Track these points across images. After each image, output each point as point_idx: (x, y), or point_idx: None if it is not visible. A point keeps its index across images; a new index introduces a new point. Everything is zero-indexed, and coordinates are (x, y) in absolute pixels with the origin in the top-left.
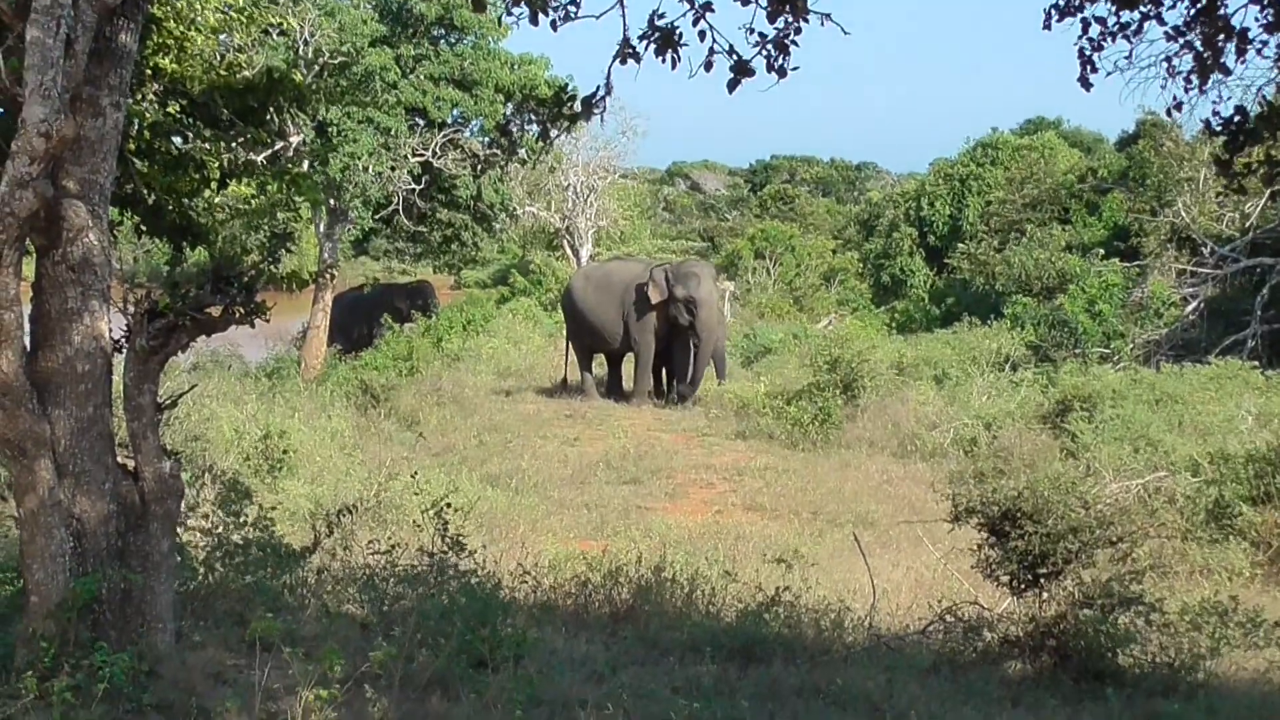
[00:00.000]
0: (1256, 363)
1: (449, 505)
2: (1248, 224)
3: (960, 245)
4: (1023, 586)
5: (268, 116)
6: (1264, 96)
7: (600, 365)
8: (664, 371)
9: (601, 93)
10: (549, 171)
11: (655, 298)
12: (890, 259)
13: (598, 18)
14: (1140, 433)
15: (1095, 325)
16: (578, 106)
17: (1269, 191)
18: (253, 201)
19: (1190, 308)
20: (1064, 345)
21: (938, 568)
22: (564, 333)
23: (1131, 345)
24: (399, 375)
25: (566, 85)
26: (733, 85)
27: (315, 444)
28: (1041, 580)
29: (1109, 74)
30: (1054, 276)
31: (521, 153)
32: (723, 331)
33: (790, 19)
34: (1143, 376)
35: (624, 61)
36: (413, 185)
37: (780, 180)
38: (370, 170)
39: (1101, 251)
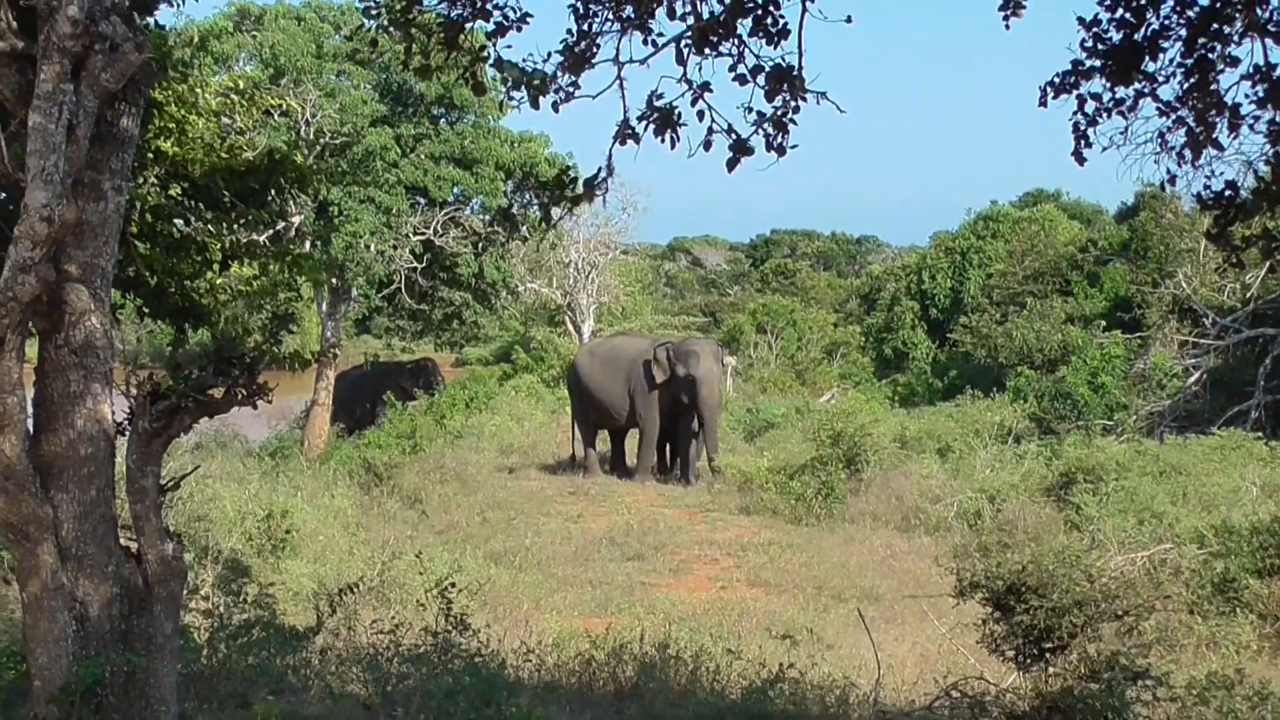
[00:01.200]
0: (1260, 433)
1: (453, 584)
2: (1249, 295)
3: (962, 318)
4: (1028, 661)
5: (269, 198)
6: (1256, 171)
7: (603, 441)
8: (667, 448)
9: (603, 174)
10: (550, 248)
11: (659, 377)
12: (892, 332)
13: (594, 97)
14: (1145, 505)
15: (1098, 397)
16: (579, 188)
17: (1268, 264)
18: (254, 282)
19: (1193, 379)
20: (1067, 417)
21: (943, 643)
22: (567, 409)
23: (1134, 417)
24: (402, 453)
25: (568, 167)
26: (732, 164)
27: (318, 523)
28: (1047, 654)
29: (1104, 149)
30: (1056, 348)
31: (523, 231)
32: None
33: (788, 98)
34: (1146, 448)
35: (624, 142)
36: (414, 264)
37: (781, 255)
38: (372, 249)
39: (1103, 323)
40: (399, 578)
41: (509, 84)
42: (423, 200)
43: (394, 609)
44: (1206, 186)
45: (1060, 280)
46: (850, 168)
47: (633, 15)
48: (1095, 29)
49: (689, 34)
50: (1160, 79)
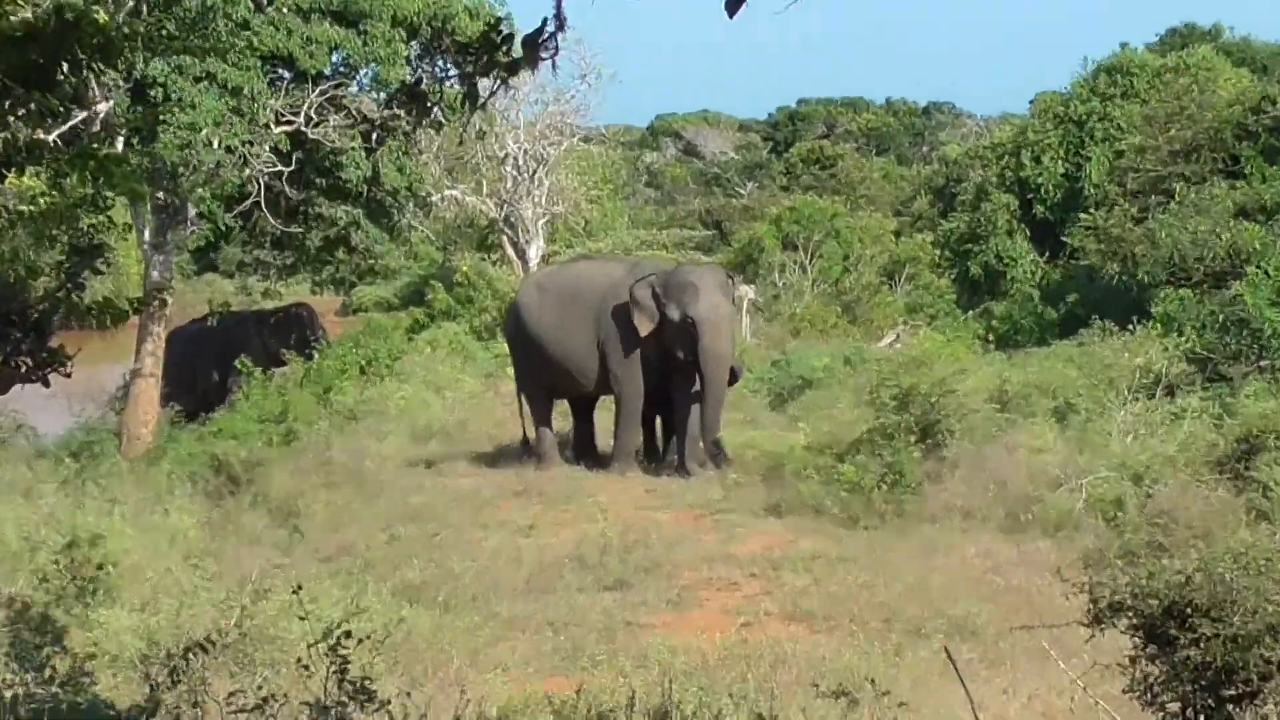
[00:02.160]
0: None
1: (348, 634)
2: None
3: (1082, 216)
4: (1200, 716)
5: (59, 76)
6: None
7: (564, 416)
8: (656, 422)
9: (551, 28)
10: (477, 139)
11: (643, 321)
12: (981, 242)
13: None
14: None
15: None
16: (517, 50)
17: None
18: (41, 201)
19: None
20: (1243, 355)
21: (1073, 693)
22: (510, 371)
23: None
24: (269, 445)
25: (499, 20)
26: (733, 5)
27: (147, 553)
28: (1229, 705)
29: None
30: (1222, 256)
31: (436, 114)
32: (738, 360)
33: None
34: None
35: None
36: (278, 167)
37: (814, 135)
38: (216, 147)
39: None
40: (268, 628)
41: None
42: (288, 75)
43: (262, 674)
44: None
45: (1224, 157)
46: (910, 2)
47: None
48: None
49: None
50: None
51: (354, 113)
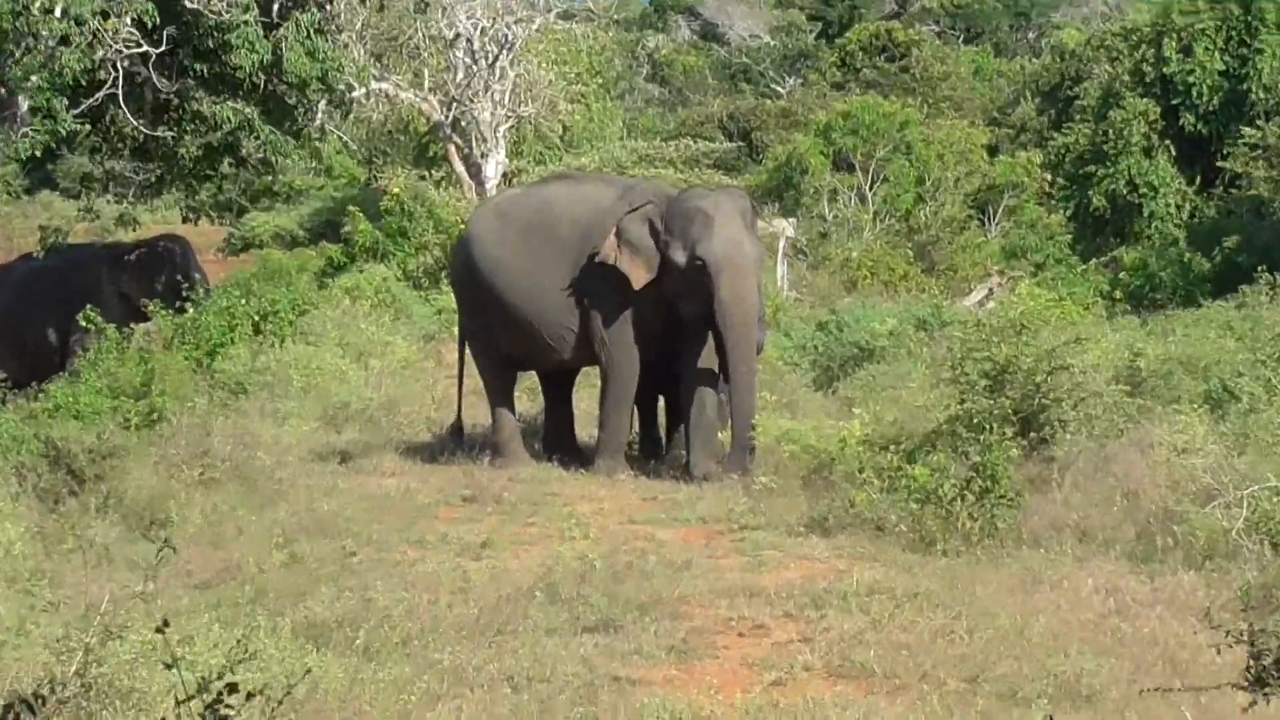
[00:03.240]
0: None
1: (232, 689)
2: None
3: (1246, 131)
4: None
5: None
6: None
7: (529, 392)
8: (657, 405)
9: None
10: (417, 12)
11: (638, 265)
12: (1107, 164)
13: None
14: None
15: None
16: None
17: None
18: None
19: None
20: None
21: None
22: (455, 330)
23: None
24: (125, 428)
25: None
26: None
27: None
28: None
29: None
30: None
31: None
32: (761, 311)
33: None
34: None
35: None
36: (142, 46)
37: (880, 13)
38: (58, 16)
39: None
40: (121, 678)
41: None
42: None
43: None
44: None
45: None
46: None
47: None
48: None
49: None
50: None
51: None
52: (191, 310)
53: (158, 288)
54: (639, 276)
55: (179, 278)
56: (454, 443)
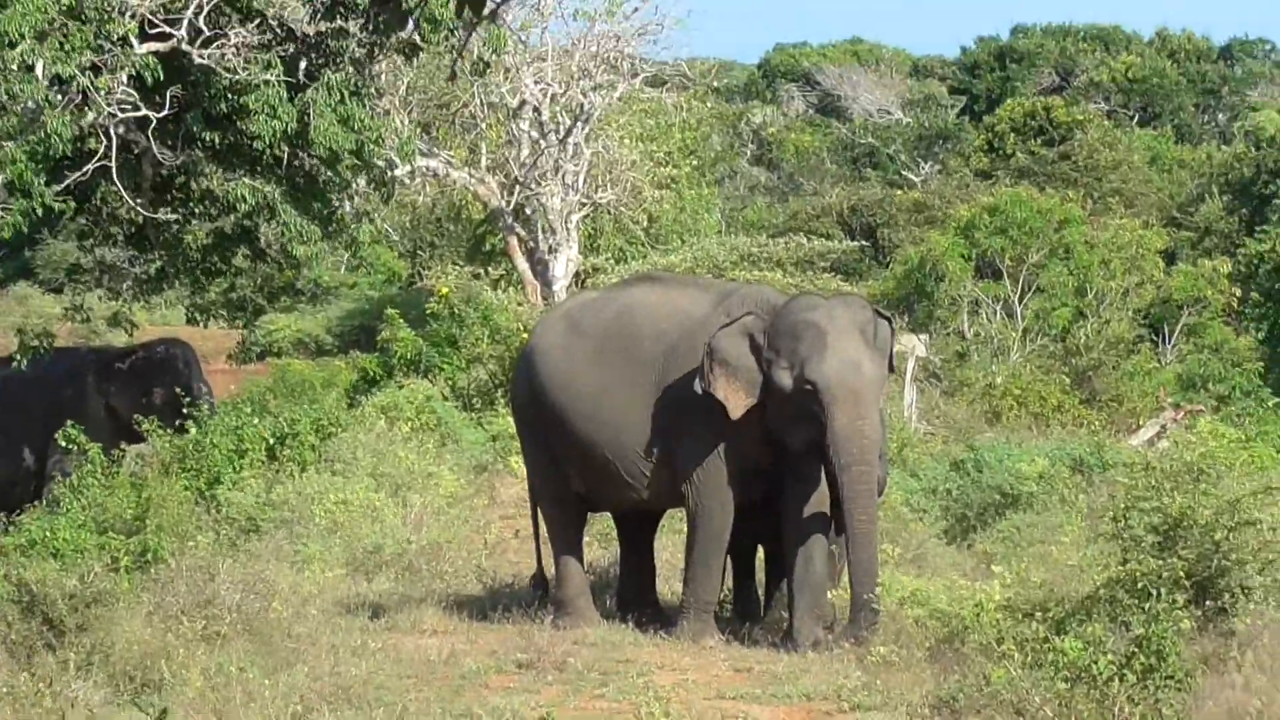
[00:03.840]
0: None
1: None
2: None
3: None
4: None
5: None
6: None
7: (601, 537)
8: (758, 554)
9: None
10: (475, 75)
11: (734, 394)
12: None
13: None
14: None
15: None
16: None
17: None
18: None
19: None
20: None
21: None
22: (518, 462)
23: None
24: (113, 570)
25: None
26: None
27: None
28: None
29: None
30: None
31: (409, 29)
32: (883, 446)
33: None
34: None
35: None
36: (142, 110)
37: (1038, 86)
38: (39, 73)
39: None
40: None
41: None
42: None
43: None
44: None
45: None
46: None
47: None
48: None
49: None
50: None
51: (270, 23)
52: (194, 430)
53: (153, 401)
54: (738, 403)
55: (178, 390)
56: (535, 597)
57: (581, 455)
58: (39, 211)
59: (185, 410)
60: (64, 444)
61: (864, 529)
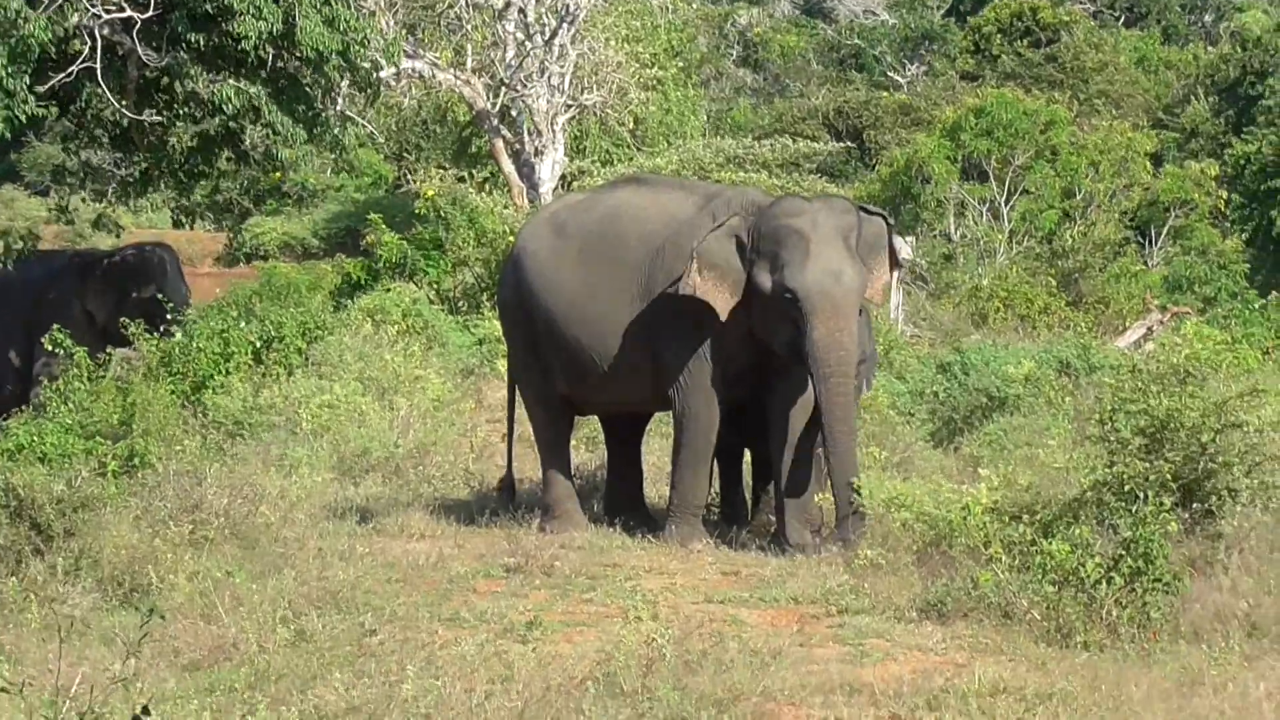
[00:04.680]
0: None
1: None
2: None
3: None
4: None
5: None
6: None
7: (588, 441)
8: (744, 458)
9: None
10: None
11: (718, 295)
12: None
13: None
14: None
15: None
16: None
17: None
18: None
19: None
20: None
21: None
22: (503, 365)
23: None
24: (99, 474)
25: None
26: None
27: None
28: None
29: None
30: None
31: None
32: (870, 347)
33: None
34: None
35: None
36: (125, 10)
37: None
38: None
39: None
40: None
41: None
42: None
43: None
44: None
45: None
46: None
47: None
48: None
49: None
50: None
51: None
52: (178, 334)
53: (128, 305)
54: (724, 303)
55: (155, 294)
56: (502, 502)
57: (568, 358)
58: (22, 118)
59: (168, 314)
60: (50, 347)
61: (843, 439)
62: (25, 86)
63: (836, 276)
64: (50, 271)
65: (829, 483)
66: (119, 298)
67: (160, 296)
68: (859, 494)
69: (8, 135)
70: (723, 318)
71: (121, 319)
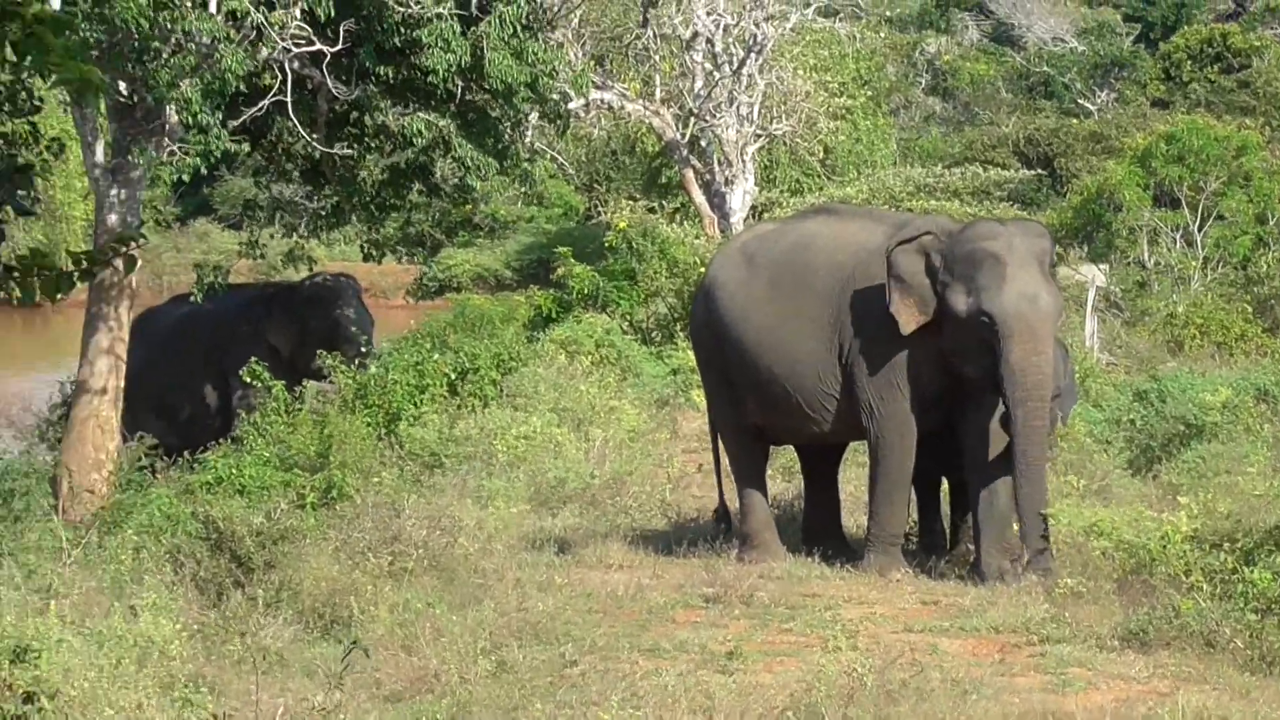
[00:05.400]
0: None
1: None
2: None
3: None
4: None
5: None
6: None
7: (784, 471)
8: (941, 486)
9: None
10: (647, 6)
11: (906, 311)
12: None
13: None
14: None
15: None
16: None
17: None
18: None
19: None
20: None
21: None
22: (699, 395)
23: None
24: (299, 506)
25: None
26: None
27: (101, 678)
28: None
29: None
30: None
31: None
32: (1067, 381)
33: None
34: None
35: None
36: (316, 45)
37: (1211, 14)
38: (214, 9)
39: None
40: None
41: None
42: None
43: None
44: None
45: None
46: None
47: None
48: None
49: None
50: None
51: None
52: (374, 368)
53: (308, 337)
54: (909, 319)
55: (335, 324)
56: (717, 531)
57: (760, 389)
58: (216, 152)
59: (353, 344)
60: (248, 380)
61: (1034, 465)
62: (219, 121)
63: (1033, 300)
64: (239, 305)
65: (1019, 510)
66: (300, 329)
67: (337, 327)
68: (1049, 525)
69: (202, 170)
70: (905, 332)
71: (318, 351)
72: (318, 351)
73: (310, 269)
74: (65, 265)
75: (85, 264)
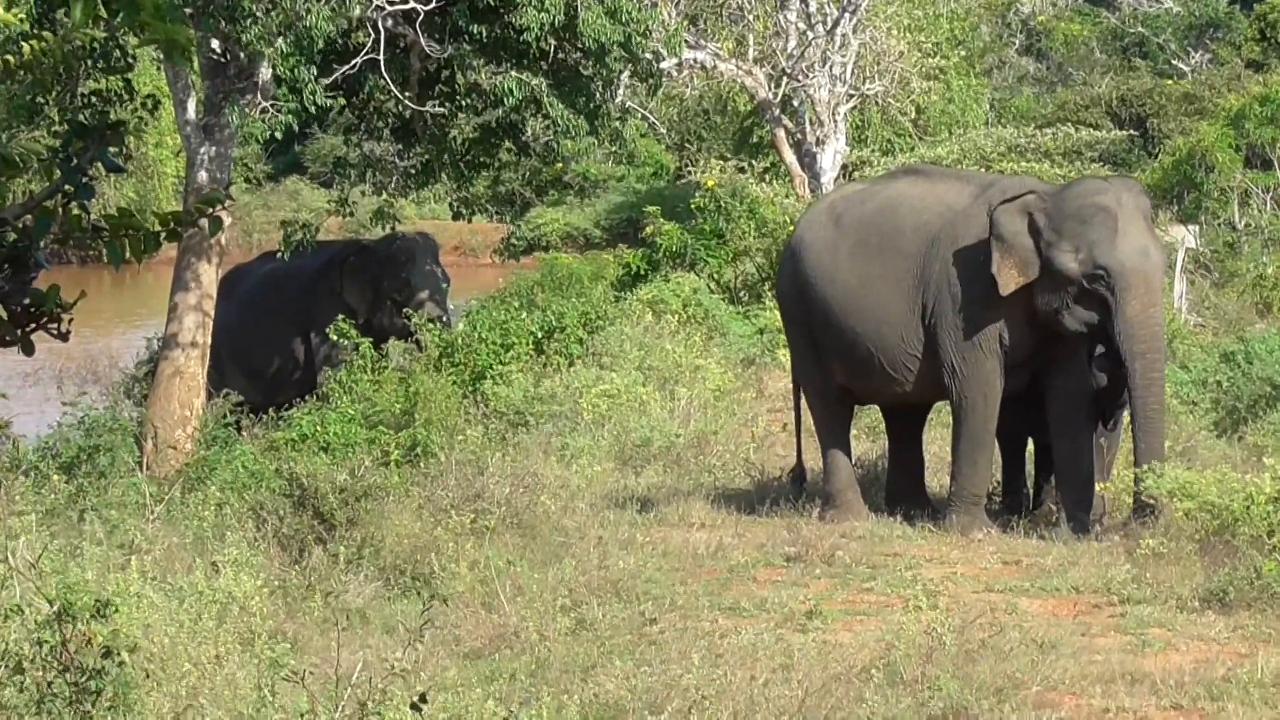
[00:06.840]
0: None
1: None
2: None
3: None
4: None
5: None
6: None
7: (868, 431)
8: (1024, 445)
9: None
10: None
11: (1008, 272)
12: None
13: None
14: None
15: None
16: None
17: None
18: (25, 47)
19: None
20: None
21: None
22: (784, 356)
23: None
24: (382, 464)
25: None
26: None
27: (183, 633)
28: None
29: None
30: None
31: None
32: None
33: None
34: None
35: None
36: (406, 2)
37: None
38: None
39: None
40: None
41: None
42: None
43: None
44: None
45: None
46: None
47: None
48: None
49: None
50: None
51: None
52: (449, 322)
53: (381, 296)
54: (1010, 280)
55: (407, 283)
56: (793, 491)
57: (845, 349)
58: (307, 107)
59: (440, 304)
60: (334, 338)
61: (1154, 415)
62: (312, 77)
63: (1145, 253)
64: (322, 264)
65: (1114, 470)
66: (375, 290)
67: (413, 287)
68: (1142, 483)
69: (295, 126)
70: (1004, 293)
71: (393, 310)
72: (399, 311)
73: (393, 228)
74: (152, 226)
75: (173, 226)
